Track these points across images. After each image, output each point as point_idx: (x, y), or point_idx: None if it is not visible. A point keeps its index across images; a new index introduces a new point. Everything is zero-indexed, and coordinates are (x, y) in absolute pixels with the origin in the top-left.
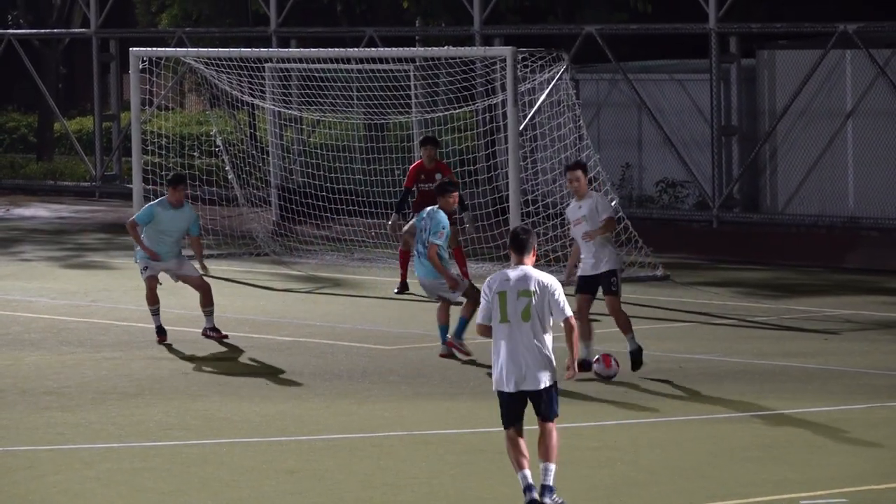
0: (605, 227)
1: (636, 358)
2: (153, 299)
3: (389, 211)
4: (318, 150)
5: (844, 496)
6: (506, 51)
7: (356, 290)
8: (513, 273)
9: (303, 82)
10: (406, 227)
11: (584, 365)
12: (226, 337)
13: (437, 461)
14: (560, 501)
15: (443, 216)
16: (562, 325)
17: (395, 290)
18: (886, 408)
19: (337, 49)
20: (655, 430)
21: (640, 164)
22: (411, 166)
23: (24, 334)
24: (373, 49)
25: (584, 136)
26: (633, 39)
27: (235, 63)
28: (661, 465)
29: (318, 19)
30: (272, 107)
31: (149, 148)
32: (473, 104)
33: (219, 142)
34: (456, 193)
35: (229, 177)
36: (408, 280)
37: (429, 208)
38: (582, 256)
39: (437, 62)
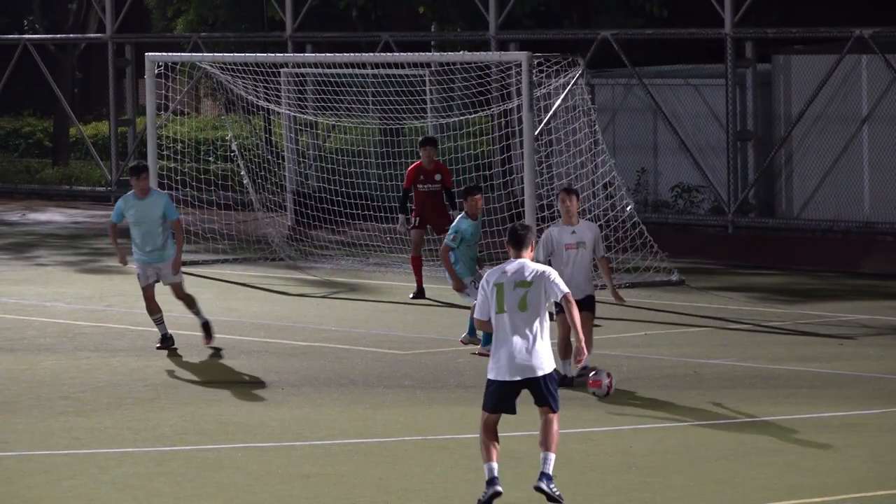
0: (608, 270)
1: (578, 374)
2: (153, 308)
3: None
4: (334, 155)
5: (859, 501)
6: (521, 56)
7: (371, 294)
8: (510, 266)
9: (318, 87)
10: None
11: (564, 381)
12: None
13: (452, 466)
14: (557, 493)
15: (459, 220)
16: (561, 303)
17: (411, 296)
18: None
19: (352, 54)
20: (670, 435)
21: (656, 169)
22: (410, 167)
23: (39, 339)
24: (388, 54)
25: (599, 141)
26: (648, 44)
27: (251, 68)
28: (676, 470)
29: (333, 24)
30: (288, 112)
31: (164, 153)
32: (489, 109)
33: (234, 147)
34: (478, 196)
35: (245, 182)
36: (424, 286)
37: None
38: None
39: (452, 67)
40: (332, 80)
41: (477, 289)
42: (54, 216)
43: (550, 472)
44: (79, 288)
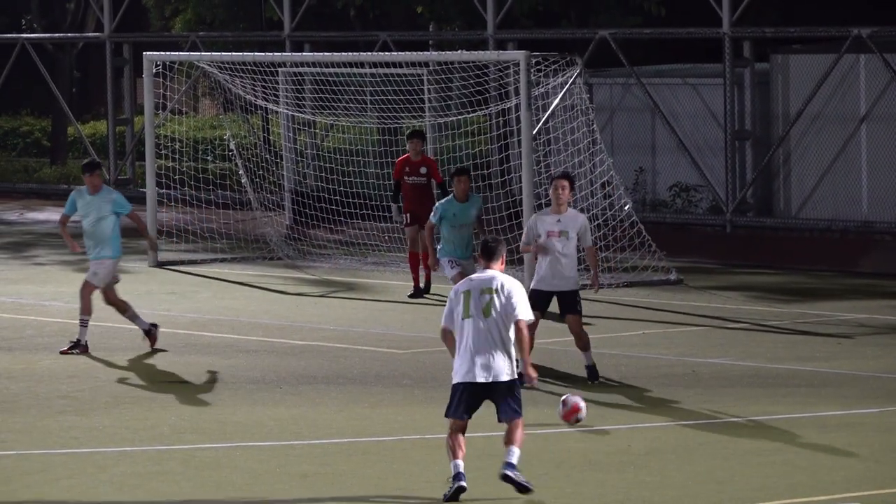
0: (595, 260)
1: (593, 372)
2: (121, 308)
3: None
4: (332, 154)
5: (858, 500)
6: (519, 55)
7: (369, 293)
8: (478, 275)
9: (316, 86)
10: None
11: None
12: (85, 349)
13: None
14: (525, 481)
15: (444, 200)
16: (514, 325)
17: (409, 295)
18: None
19: (350, 53)
20: (668, 435)
21: (654, 169)
22: (398, 159)
23: (37, 338)
24: (386, 53)
25: (597, 141)
26: (646, 44)
27: (249, 67)
28: (674, 469)
29: (331, 24)
30: (286, 111)
31: (162, 152)
32: (487, 108)
33: (232, 146)
34: (462, 178)
35: (243, 181)
36: (420, 284)
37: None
38: (541, 271)
39: (450, 66)
40: (330, 79)
41: (452, 267)
42: (52, 215)
43: (515, 462)
44: (77, 287)
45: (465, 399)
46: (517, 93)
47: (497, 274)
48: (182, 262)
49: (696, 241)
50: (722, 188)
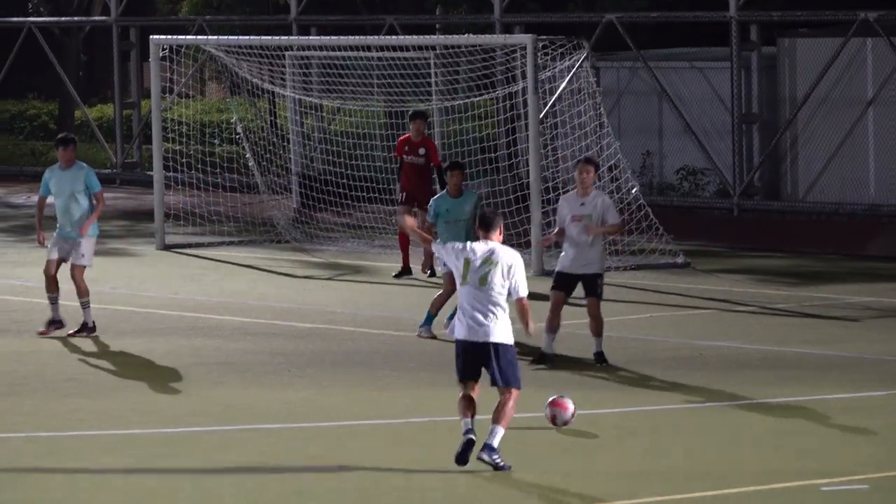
0: (613, 229)
1: (601, 358)
2: (52, 286)
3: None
4: (339, 138)
5: (864, 483)
6: (526, 39)
7: (377, 277)
8: (479, 244)
9: (323, 70)
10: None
11: (545, 358)
12: (73, 334)
13: (455, 446)
14: (501, 463)
15: (436, 197)
16: (515, 303)
17: (395, 275)
18: None
19: (357, 37)
20: (675, 417)
21: (661, 152)
22: (400, 137)
23: (44, 321)
24: (393, 37)
25: (604, 124)
26: (653, 27)
27: (256, 51)
28: (682, 452)
29: (338, 7)
30: (292, 94)
31: (169, 135)
32: (494, 92)
33: (239, 129)
34: (455, 173)
35: (250, 164)
36: (411, 264)
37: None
38: (565, 252)
39: (457, 50)
40: (336, 62)
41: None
42: None
43: (495, 445)
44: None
45: (466, 360)
46: (524, 76)
47: (497, 246)
48: (189, 246)
49: (703, 225)
50: (729, 171)
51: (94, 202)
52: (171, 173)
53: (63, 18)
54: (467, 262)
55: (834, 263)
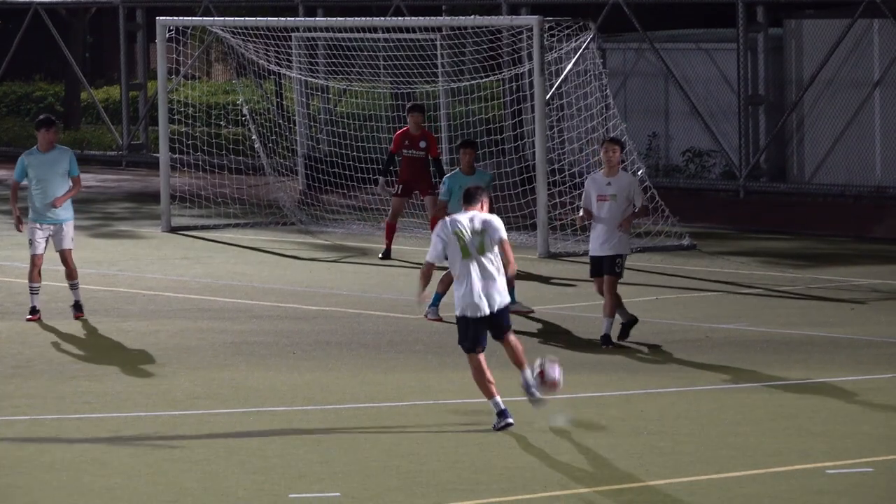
0: (641, 215)
1: (607, 339)
2: (36, 277)
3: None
4: (345, 120)
5: (872, 465)
6: (532, 20)
7: (389, 259)
8: (463, 216)
9: (329, 51)
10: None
11: (605, 340)
12: (79, 317)
13: (462, 431)
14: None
15: (450, 174)
16: (500, 243)
17: (380, 256)
18: None
19: (363, 18)
20: (682, 400)
21: (667, 134)
22: (397, 132)
23: (50, 304)
24: (399, 18)
25: (610, 106)
26: (659, 8)
27: (262, 32)
28: (688, 434)
29: None
30: (299, 76)
31: (175, 117)
32: (500, 73)
33: (245, 111)
34: (467, 150)
35: (256, 146)
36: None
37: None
38: (596, 237)
39: (463, 31)
40: (343, 44)
41: None
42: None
43: (531, 381)
44: (90, 252)
45: (478, 331)
46: (530, 58)
47: (478, 214)
48: (195, 228)
49: (709, 207)
50: (735, 153)
51: (71, 186)
52: (178, 155)
53: (69, 0)
54: (459, 235)
55: (840, 245)
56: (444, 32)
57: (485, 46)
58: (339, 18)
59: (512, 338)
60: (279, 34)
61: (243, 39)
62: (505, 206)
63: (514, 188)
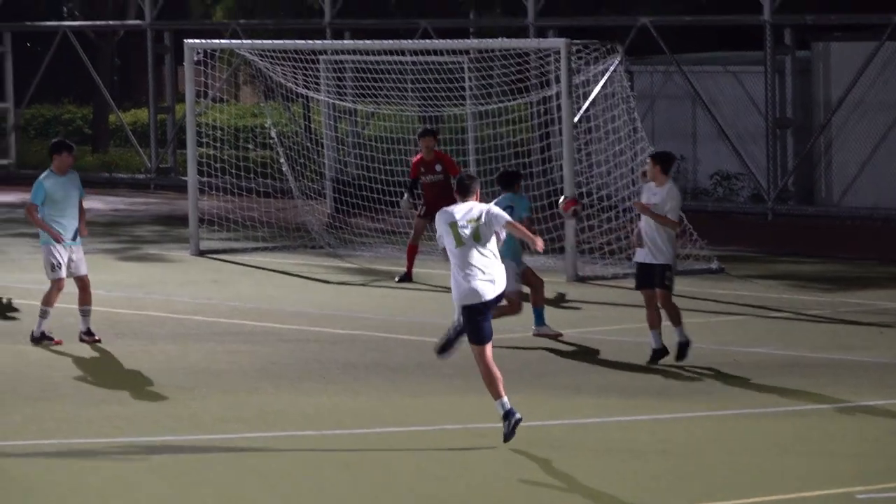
0: (663, 219)
1: (682, 350)
2: (54, 301)
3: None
4: (373, 143)
5: None
6: (560, 43)
7: (411, 282)
8: (458, 207)
9: (357, 74)
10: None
11: (657, 354)
12: (98, 340)
13: (490, 454)
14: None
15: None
16: (507, 227)
17: (397, 279)
18: None
19: (391, 41)
20: (709, 423)
21: (695, 157)
22: (413, 160)
23: (78, 326)
24: (427, 41)
25: (638, 129)
26: (687, 31)
27: (290, 55)
28: (715, 458)
29: (372, 11)
30: (327, 99)
31: (203, 140)
32: (527, 96)
33: (273, 134)
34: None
35: (284, 169)
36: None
37: (509, 196)
38: (642, 246)
39: (491, 54)
40: (370, 66)
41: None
42: (94, 204)
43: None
44: (118, 275)
45: (483, 318)
46: (558, 81)
47: (473, 203)
48: (223, 251)
49: (737, 230)
50: (763, 176)
51: (81, 209)
52: (206, 178)
53: (98, 23)
54: (453, 225)
55: (869, 268)
56: (471, 55)
57: (512, 69)
58: (366, 41)
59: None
60: (307, 57)
61: (271, 62)
62: (532, 230)
63: (543, 211)
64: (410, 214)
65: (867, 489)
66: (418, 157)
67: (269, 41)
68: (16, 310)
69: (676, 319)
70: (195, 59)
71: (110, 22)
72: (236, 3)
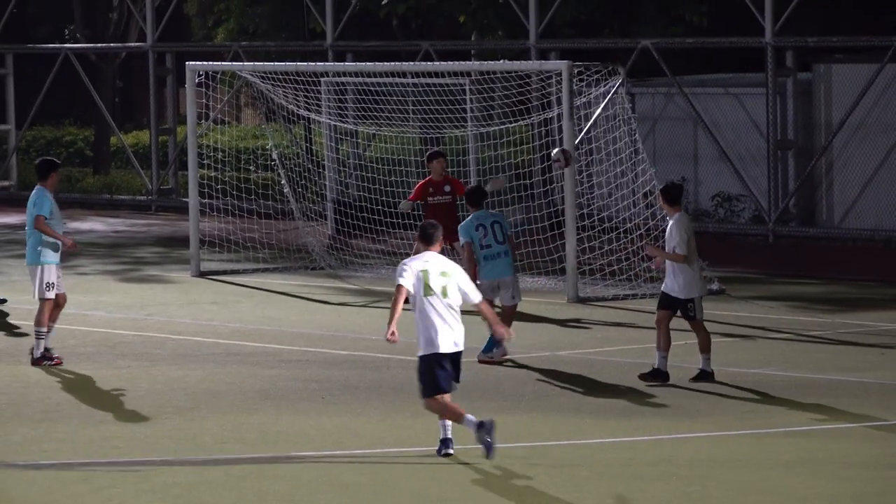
0: (670, 256)
1: (701, 378)
2: (46, 320)
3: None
4: (374, 164)
5: None
6: (561, 65)
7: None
8: (429, 256)
9: (358, 96)
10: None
11: (659, 374)
12: (60, 363)
13: (492, 474)
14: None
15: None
16: (479, 307)
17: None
18: None
19: (393, 63)
20: (711, 445)
21: (696, 178)
22: (419, 183)
23: (79, 347)
24: (428, 63)
25: (639, 150)
26: (688, 53)
27: (291, 77)
28: (717, 479)
29: (373, 33)
30: (328, 121)
31: (205, 162)
32: (529, 118)
33: (275, 156)
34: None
35: (285, 191)
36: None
37: (488, 212)
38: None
39: (492, 76)
40: (372, 88)
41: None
42: (95, 225)
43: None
44: (119, 297)
45: (446, 369)
46: (559, 102)
47: (442, 258)
48: (224, 272)
49: (738, 251)
50: (764, 198)
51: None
52: (207, 200)
53: (99, 45)
54: (425, 273)
55: (870, 290)
56: (473, 77)
57: (514, 91)
58: (368, 63)
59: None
60: (308, 79)
61: (272, 84)
62: (534, 251)
63: (543, 233)
64: (409, 209)
65: None
66: (426, 179)
67: (271, 63)
68: (17, 327)
69: (704, 347)
70: (197, 80)
71: (112, 44)
72: (238, 25)
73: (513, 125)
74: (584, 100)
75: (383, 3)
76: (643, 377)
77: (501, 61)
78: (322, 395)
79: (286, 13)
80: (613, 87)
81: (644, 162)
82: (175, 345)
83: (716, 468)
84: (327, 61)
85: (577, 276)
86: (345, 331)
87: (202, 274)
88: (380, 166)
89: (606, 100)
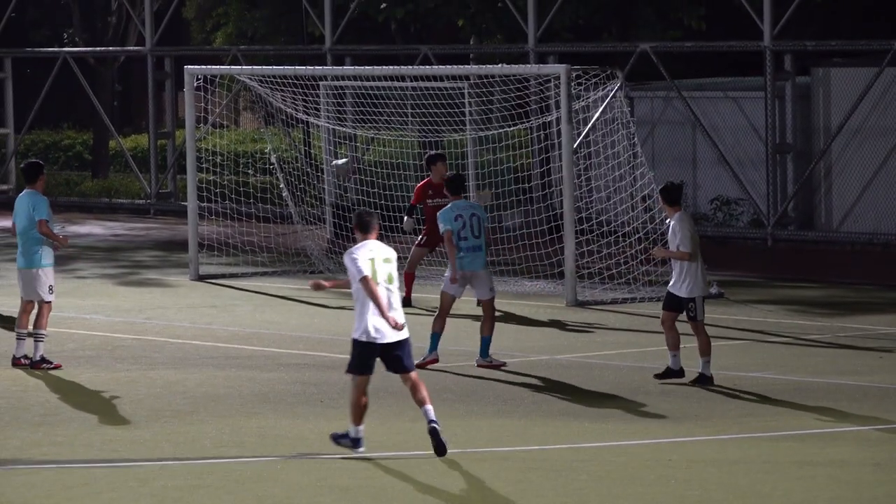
0: (674, 254)
1: (700, 381)
2: (46, 323)
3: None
4: (373, 168)
5: None
6: (560, 68)
7: (410, 307)
8: (372, 244)
9: (357, 100)
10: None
11: (673, 373)
12: (59, 366)
13: (491, 478)
14: (445, 441)
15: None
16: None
17: None
18: None
19: (391, 67)
20: (710, 448)
21: (695, 182)
22: (418, 185)
23: (78, 351)
24: (427, 67)
25: (638, 154)
26: (687, 57)
27: (290, 81)
28: (716, 482)
29: (372, 37)
30: (327, 124)
31: (203, 165)
32: (528, 122)
33: (273, 159)
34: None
35: (284, 194)
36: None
37: (468, 202)
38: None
39: (491, 80)
40: (371, 92)
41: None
42: (94, 229)
43: (436, 419)
44: (118, 300)
45: (372, 357)
46: (558, 106)
47: (384, 245)
48: (223, 276)
49: (737, 255)
50: (763, 201)
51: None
52: (206, 203)
53: (98, 49)
54: (372, 261)
55: (868, 294)
56: (471, 81)
57: (512, 95)
58: (366, 67)
59: (415, 376)
60: (307, 83)
61: (271, 88)
62: (532, 255)
63: (542, 236)
64: (414, 232)
65: None
66: (426, 180)
67: (270, 67)
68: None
69: (704, 350)
70: (195, 84)
71: (111, 48)
72: (237, 29)
73: (511, 129)
74: (582, 103)
75: (382, 7)
76: (658, 377)
77: (500, 65)
78: (321, 398)
79: (285, 17)
80: (612, 90)
81: (643, 166)
82: (174, 348)
83: (715, 471)
84: (326, 65)
85: (576, 280)
86: (343, 334)
87: (201, 277)
88: (378, 170)
89: (605, 103)
